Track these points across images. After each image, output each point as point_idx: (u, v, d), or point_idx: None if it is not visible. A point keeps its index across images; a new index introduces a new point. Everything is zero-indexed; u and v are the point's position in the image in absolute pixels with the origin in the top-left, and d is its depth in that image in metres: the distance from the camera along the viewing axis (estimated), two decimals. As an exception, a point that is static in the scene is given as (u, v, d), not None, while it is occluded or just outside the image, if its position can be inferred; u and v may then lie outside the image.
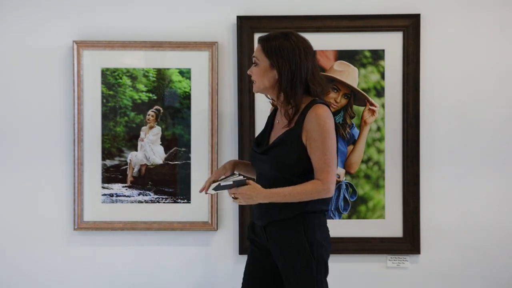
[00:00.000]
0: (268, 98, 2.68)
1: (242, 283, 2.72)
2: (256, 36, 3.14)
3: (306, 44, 2.54)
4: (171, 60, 3.18)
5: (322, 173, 2.46)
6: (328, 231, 2.59)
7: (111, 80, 3.19)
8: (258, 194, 2.48)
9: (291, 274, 2.51)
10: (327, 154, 2.46)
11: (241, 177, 2.50)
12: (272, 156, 2.54)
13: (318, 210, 2.54)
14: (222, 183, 2.50)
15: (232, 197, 2.52)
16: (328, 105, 2.57)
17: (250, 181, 2.50)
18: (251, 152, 2.70)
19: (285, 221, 2.52)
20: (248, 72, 2.63)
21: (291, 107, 2.52)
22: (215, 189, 2.53)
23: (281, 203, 2.50)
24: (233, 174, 2.58)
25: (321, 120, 2.46)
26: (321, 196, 2.48)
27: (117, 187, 3.21)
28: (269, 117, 2.75)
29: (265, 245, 2.62)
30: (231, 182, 2.49)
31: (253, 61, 2.59)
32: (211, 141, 3.18)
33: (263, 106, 3.15)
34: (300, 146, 2.50)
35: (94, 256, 3.24)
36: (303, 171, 2.52)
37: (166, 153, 3.20)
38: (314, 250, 2.48)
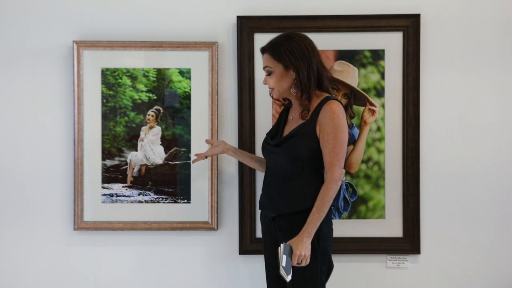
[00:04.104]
0: (281, 101, 2.86)
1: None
2: (256, 36, 3.15)
3: (309, 41, 2.67)
4: (171, 60, 3.18)
5: (330, 167, 2.57)
6: (332, 224, 2.70)
7: (111, 80, 3.19)
8: (302, 239, 2.52)
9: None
10: (337, 147, 2.57)
11: (284, 244, 2.53)
12: (287, 148, 2.65)
13: None
14: (282, 266, 2.51)
15: (298, 265, 2.55)
16: (341, 102, 2.69)
17: (290, 240, 2.54)
18: (264, 145, 2.82)
19: (294, 215, 2.62)
20: (263, 82, 2.73)
21: (305, 97, 2.63)
22: (287, 275, 2.52)
23: (291, 198, 2.62)
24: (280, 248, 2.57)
25: (334, 115, 2.58)
26: (336, 189, 2.57)
27: (117, 187, 3.20)
28: (282, 112, 2.88)
29: (274, 235, 2.72)
30: (285, 256, 2.54)
31: (266, 72, 2.70)
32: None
33: (263, 106, 3.16)
34: (314, 138, 2.61)
35: (94, 256, 3.24)
36: (316, 163, 2.63)
37: (166, 153, 3.20)
38: (320, 243, 2.59)
